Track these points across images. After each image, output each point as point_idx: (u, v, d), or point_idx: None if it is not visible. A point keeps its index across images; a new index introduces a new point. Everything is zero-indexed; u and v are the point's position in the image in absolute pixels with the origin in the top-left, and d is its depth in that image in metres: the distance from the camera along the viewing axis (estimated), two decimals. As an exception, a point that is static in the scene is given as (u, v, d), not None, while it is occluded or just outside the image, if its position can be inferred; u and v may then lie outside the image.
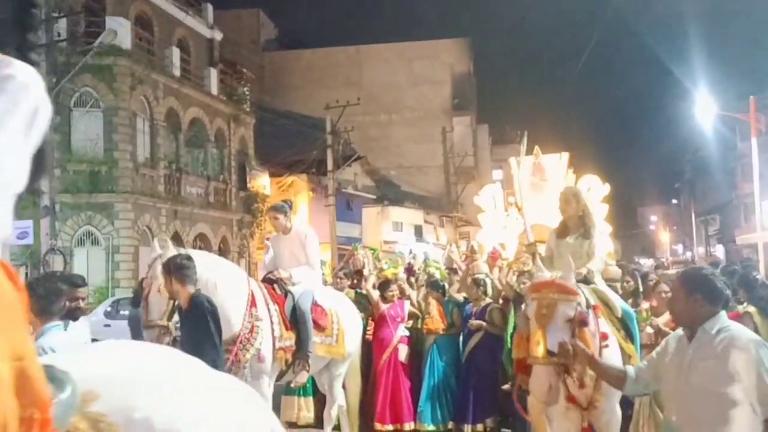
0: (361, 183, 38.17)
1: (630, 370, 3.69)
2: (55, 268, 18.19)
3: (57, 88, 18.23)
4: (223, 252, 27.13)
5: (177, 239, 23.86)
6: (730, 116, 25.75)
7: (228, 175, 27.58)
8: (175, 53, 24.81)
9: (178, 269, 4.99)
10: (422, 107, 45.85)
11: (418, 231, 39.30)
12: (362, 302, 8.53)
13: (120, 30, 20.62)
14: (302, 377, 6.40)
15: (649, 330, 6.20)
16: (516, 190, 9.25)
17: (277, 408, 8.57)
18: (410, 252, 17.09)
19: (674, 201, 62.19)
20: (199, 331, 4.78)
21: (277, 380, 6.47)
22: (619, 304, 5.26)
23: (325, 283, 11.40)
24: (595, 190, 13.92)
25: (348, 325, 7.09)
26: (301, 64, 44.92)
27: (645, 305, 7.12)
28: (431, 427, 7.99)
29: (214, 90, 27.25)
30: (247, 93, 29.98)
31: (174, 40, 25.19)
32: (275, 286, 6.60)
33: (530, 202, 13.96)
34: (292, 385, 6.53)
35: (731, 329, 3.11)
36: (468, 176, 46.44)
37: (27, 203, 18.70)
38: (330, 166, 30.12)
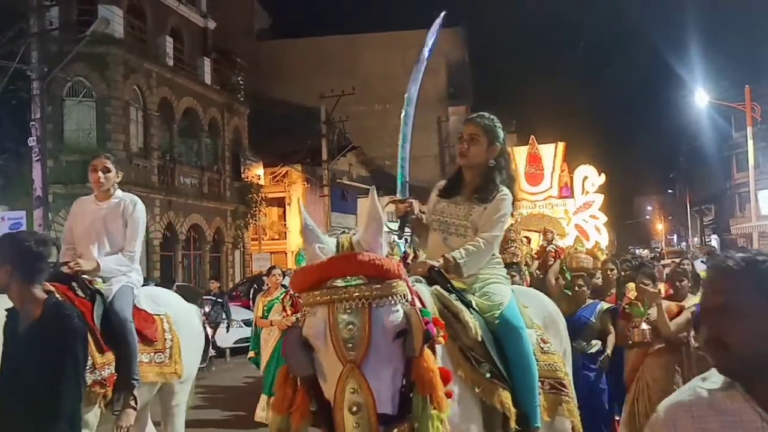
0: (356, 173, 38.05)
1: None
2: (50, 259, 18.08)
3: (49, 77, 18.05)
4: (217, 243, 27.07)
5: (171, 230, 23.81)
6: (726, 106, 25.70)
7: (222, 166, 27.45)
8: (168, 42, 24.61)
9: (30, 260, 3.21)
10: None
11: (414, 221, 39.17)
12: None
13: (112, 18, 20.44)
14: (127, 419, 4.32)
15: (645, 326, 5.42)
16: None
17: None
18: (406, 241, 17.06)
19: (670, 191, 62.23)
20: (55, 356, 3.00)
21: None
22: (481, 325, 2.90)
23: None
24: (591, 180, 13.96)
25: (186, 333, 5.02)
26: (295, 53, 44.64)
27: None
28: None
29: (208, 79, 27.06)
30: (240, 82, 29.80)
31: (167, 29, 24.97)
32: (73, 284, 4.37)
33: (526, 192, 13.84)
34: (115, 431, 4.37)
35: None
36: (463, 166, 46.26)
37: (20, 194, 18.58)
38: (325, 156, 30.03)
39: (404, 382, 2.05)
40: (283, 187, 32.45)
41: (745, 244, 28.50)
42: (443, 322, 2.52)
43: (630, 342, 5.52)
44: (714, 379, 1.70)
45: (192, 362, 5.15)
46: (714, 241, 42.96)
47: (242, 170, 29.15)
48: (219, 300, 15.11)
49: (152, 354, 4.67)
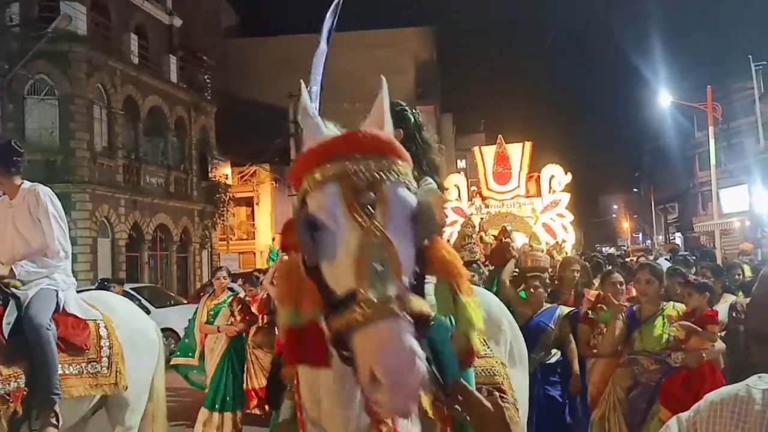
0: (325, 172, 37.96)
1: None
2: None
3: (10, 75, 17.71)
4: (184, 243, 26.76)
5: (137, 230, 23.48)
6: (688, 106, 26.18)
7: (189, 165, 27.15)
8: (133, 40, 24.29)
9: None
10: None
11: (383, 220, 39.26)
12: None
13: (75, 15, 20.08)
14: None
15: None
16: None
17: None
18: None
19: (635, 189, 63.22)
20: None
21: None
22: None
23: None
24: (557, 179, 14.10)
25: (132, 341, 4.50)
26: (263, 52, 44.38)
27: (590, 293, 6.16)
28: None
29: (174, 77, 26.76)
30: (207, 81, 29.52)
31: (132, 26, 24.63)
32: None
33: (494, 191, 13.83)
34: None
35: None
36: (432, 165, 46.38)
37: (-21, 194, 18.19)
38: (293, 155, 29.84)
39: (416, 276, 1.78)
40: (251, 187, 32.22)
41: (708, 242, 29.09)
42: None
43: (595, 351, 5.02)
44: None
45: (142, 375, 4.51)
46: (678, 238, 43.75)
47: (210, 170, 28.87)
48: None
49: (83, 364, 4.19)
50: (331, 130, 1.97)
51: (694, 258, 10.75)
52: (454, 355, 2.68)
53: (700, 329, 4.48)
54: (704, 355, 4.43)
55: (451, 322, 2.89)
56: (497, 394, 3.06)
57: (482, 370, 3.03)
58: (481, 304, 3.41)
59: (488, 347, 3.18)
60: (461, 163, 45.29)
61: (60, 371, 4.02)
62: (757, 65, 31.90)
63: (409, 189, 1.81)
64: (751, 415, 1.54)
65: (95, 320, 4.38)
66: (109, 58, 22.36)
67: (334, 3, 3.62)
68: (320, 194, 1.78)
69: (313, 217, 1.77)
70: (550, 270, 6.59)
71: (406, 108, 3.19)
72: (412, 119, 3.15)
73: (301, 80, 2.14)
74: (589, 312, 5.25)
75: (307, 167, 1.85)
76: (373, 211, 1.72)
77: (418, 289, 1.77)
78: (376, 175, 1.76)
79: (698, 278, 4.85)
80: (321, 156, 1.82)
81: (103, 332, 4.35)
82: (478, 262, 7.33)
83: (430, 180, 3.01)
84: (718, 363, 4.77)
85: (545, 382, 5.21)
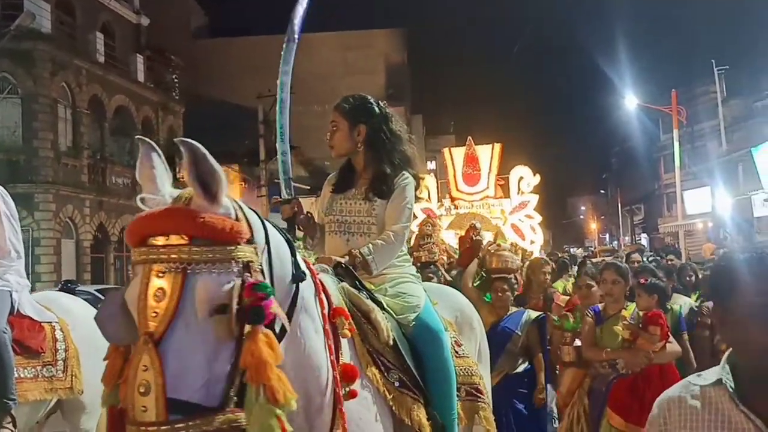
0: (295, 173, 37.58)
1: None
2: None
3: (-29, 73, 17.31)
4: (152, 244, 26.44)
5: (102, 231, 23.11)
6: (654, 109, 26.59)
7: (156, 166, 26.80)
8: (99, 38, 23.93)
9: None
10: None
11: (353, 221, 39.15)
12: None
13: (39, 13, 19.74)
14: None
15: (578, 342, 4.65)
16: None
17: None
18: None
19: (602, 191, 64.02)
20: None
21: None
22: (394, 328, 2.61)
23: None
24: (526, 180, 14.19)
25: (89, 344, 4.19)
26: (233, 53, 44.02)
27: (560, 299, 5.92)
28: None
29: (141, 77, 26.41)
30: (175, 81, 29.20)
31: (98, 25, 24.27)
32: None
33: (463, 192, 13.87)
34: None
35: None
36: (402, 167, 46.38)
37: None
38: (262, 156, 29.66)
39: (237, 369, 1.70)
40: (220, 188, 31.93)
41: (673, 243, 29.57)
42: (340, 308, 2.30)
43: (564, 361, 4.70)
44: (707, 375, 1.66)
45: (98, 378, 4.38)
46: (644, 239, 44.42)
47: (177, 171, 28.37)
48: None
49: (39, 368, 4.06)
50: (161, 196, 1.95)
51: (660, 257, 10.90)
52: (440, 358, 2.78)
53: (639, 330, 4.23)
54: (646, 357, 4.18)
55: (439, 318, 2.95)
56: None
57: (461, 369, 3.06)
58: (452, 303, 3.48)
59: (464, 346, 3.22)
60: (431, 165, 45.42)
61: (15, 375, 3.88)
62: (720, 69, 32.55)
63: (225, 276, 1.72)
64: (693, 414, 1.62)
65: (50, 322, 4.22)
66: (74, 56, 21.98)
67: None
68: (132, 280, 1.76)
69: (126, 302, 1.75)
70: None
71: (371, 101, 3.16)
72: (378, 111, 3.10)
73: (143, 140, 2.14)
74: (555, 318, 4.99)
75: (130, 242, 1.83)
76: (158, 314, 1.65)
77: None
78: (177, 267, 1.69)
79: (648, 279, 4.59)
80: (133, 237, 1.82)
81: (58, 335, 4.20)
82: (437, 263, 7.23)
83: (407, 174, 2.99)
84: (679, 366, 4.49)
85: (512, 393, 4.82)
